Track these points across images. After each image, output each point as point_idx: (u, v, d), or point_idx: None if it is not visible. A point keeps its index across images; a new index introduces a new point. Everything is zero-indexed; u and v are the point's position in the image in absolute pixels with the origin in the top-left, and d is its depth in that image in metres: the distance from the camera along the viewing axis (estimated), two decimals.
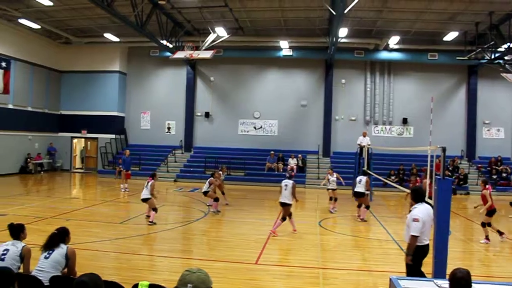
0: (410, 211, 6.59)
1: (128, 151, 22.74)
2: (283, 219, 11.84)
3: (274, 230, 11.54)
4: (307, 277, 8.07)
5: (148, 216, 12.95)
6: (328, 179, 16.39)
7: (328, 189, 16.46)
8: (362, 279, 8.18)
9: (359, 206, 14.60)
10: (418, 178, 17.40)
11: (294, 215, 12.06)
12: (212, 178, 15.52)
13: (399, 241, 11.24)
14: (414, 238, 6.15)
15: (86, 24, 24.59)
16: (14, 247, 5.37)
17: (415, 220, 6.14)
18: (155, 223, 12.40)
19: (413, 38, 24.36)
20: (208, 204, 15.56)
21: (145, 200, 12.88)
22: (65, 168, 29.04)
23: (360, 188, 14.53)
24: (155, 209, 12.74)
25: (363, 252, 10.38)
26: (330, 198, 16.37)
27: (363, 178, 14.74)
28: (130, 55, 29.54)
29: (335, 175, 16.60)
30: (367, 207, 14.52)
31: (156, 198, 13.29)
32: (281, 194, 11.83)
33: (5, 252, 5.28)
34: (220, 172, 17.11)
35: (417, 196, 6.51)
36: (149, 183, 12.90)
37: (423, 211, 6.29)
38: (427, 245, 6.31)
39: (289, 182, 11.84)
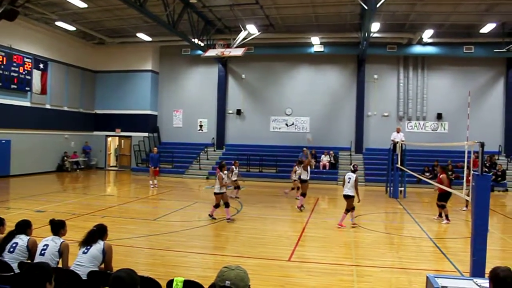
0: None
1: (156, 148, 23.09)
2: (347, 211, 12.21)
3: (341, 223, 12.07)
4: (341, 274, 7.98)
5: (211, 216, 12.80)
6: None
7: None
8: (396, 277, 8.04)
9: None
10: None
11: (327, 212, 12.01)
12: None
13: (434, 238, 11.04)
14: None
15: (119, 24, 25.02)
16: (53, 243, 5.54)
17: None
18: (232, 219, 12.69)
19: (447, 31, 23.75)
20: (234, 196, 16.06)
21: (215, 194, 12.70)
22: (100, 166, 29.68)
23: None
24: (227, 204, 12.60)
25: (398, 250, 10.21)
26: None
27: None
28: (162, 54, 29.91)
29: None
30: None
31: (226, 187, 13.00)
32: (344, 187, 12.40)
33: (45, 247, 5.47)
34: (233, 167, 17.04)
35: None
36: (218, 176, 12.71)
37: None
38: None
39: (352, 175, 12.31)
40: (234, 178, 16.88)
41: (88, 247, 5.47)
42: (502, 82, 26.14)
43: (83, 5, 20.29)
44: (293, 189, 17.91)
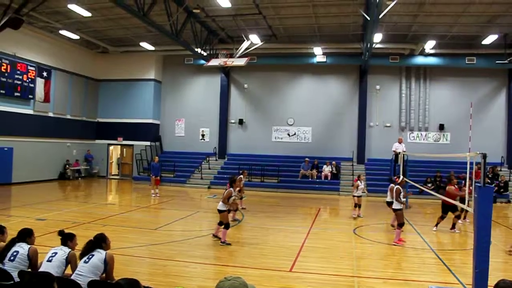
0: None
1: (157, 157, 23.13)
2: (400, 225, 11.74)
3: (398, 241, 11.52)
4: (342, 286, 7.94)
5: (215, 236, 11.44)
6: (358, 186, 15.94)
7: (354, 196, 15.92)
8: None
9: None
10: (456, 186, 16.73)
11: (329, 222, 11.96)
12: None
13: (436, 250, 10.98)
14: None
15: (123, 33, 25.15)
16: (62, 251, 5.60)
17: None
18: (228, 244, 10.87)
19: (449, 43, 23.84)
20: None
21: (219, 212, 11.28)
22: (102, 175, 29.68)
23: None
24: (227, 226, 11.05)
25: (399, 261, 10.15)
26: (355, 205, 15.98)
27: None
28: (165, 63, 30.03)
29: (363, 182, 16.29)
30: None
31: (232, 208, 12.01)
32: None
33: (53, 254, 5.53)
34: (241, 176, 16.77)
35: None
36: (226, 191, 11.43)
37: None
38: None
39: (393, 187, 12.37)
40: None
41: (90, 256, 5.46)
42: (504, 93, 26.15)
43: (87, 14, 20.42)
44: (355, 206, 16.11)
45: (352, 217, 15.77)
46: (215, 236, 11.50)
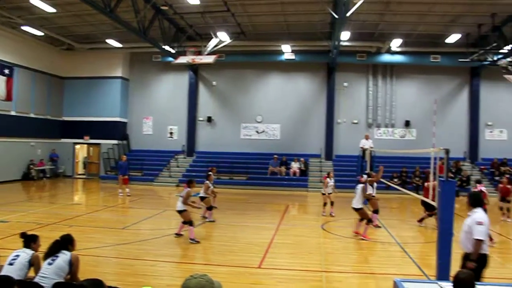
0: (468, 216, 6.17)
1: (124, 156, 22.84)
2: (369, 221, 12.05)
3: (364, 235, 11.72)
4: (311, 281, 8.03)
5: (178, 234, 11.47)
6: (328, 184, 15.79)
7: (324, 194, 15.76)
8: (366, 282, 8.14)
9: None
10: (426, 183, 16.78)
11: (297, 219, 12.06)
12: (207, 181, 14.34)
13: (402, 243, 11.21)
14: (479, 242, 5.81)
15: (89, 30, 24.67)
16: (24, 254, 5.48)
17: (480, 223, 5.83)
18: (197, 241, 10.89)
19: (415, 41, 24.36)
20: (202, 216, 14.38)
21: (179, 212, 11.30)
22: (68, 174, 29.06)
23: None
24: (190, 223, 11.13)
25: (367, 255, 10.34)
26: (325, 204, 15.80)
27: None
28: (132, 61, 29.60)
29: (332, 179, 16.15)
30: None
31: (194, 207, 11.87)
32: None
33: (15, 257, 5.39)
34: (210, 173, 16.47)
35: (476, 201, 6.18)
36: (184, 191, 11.41)
37: (484, 216, 5.99)
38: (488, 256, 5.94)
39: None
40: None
41: (54, 258, 5.34)
42: (467, 90, 26.91)
43: (51, 9, 19.88)
44: (325, 204, 16.07)
45: (322, 215, 15.63)
46: (177, 234, 11.51)
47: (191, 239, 10.87)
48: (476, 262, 5.78)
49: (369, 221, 11.96)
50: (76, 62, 28.79)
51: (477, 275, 5.55)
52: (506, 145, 26.39)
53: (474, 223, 5.90)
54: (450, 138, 24.61)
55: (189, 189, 11.45)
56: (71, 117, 29.15)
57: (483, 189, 11.29)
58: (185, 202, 11.23)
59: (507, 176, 19.73)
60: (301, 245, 10.98)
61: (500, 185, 15.42)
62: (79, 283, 3.19)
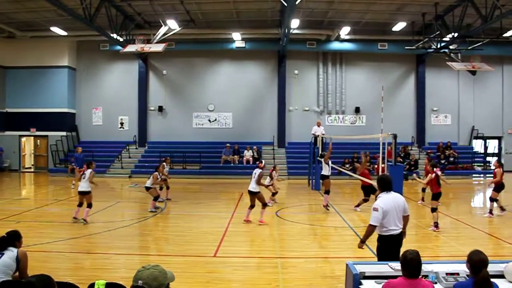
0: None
1: (80, 148, 22.26)
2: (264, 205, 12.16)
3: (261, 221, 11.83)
4: (266, 267, 8.14)
5: (75, 218, 11.94)
6: (273, 176, 15.39)
7: (268, 186, 14.72)
8: (320, 266, 8.33)
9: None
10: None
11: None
12: (156, 172, 14.10)
13: (355, 227, 11.53)
14: (370, 227, 6.09)
15: (31, 17, 23.60)
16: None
17: (374, 209, 6.02)
18: (86, 222, 11.60)
19: (363, 29, 24.86)
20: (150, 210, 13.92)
21: (83, 194, 11.94)
22: (14, 168, 27.94)
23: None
24: (89, 205, 11.86)
25: (320, 240, 10.58)
26: (273, 194, 15.54)
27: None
28: (79, 50, 28.64)
29: (277, 173, 15.97)
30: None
31: (96, 186, 12.49)
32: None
33: None
34: (164, 164, 16.35)
35: (383, 185, 6.29)
36: (86, 174, 11.98)
37: (386, 200, 6.07)
38: (396, 235, 6.10)
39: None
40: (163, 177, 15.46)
41: (0, 255, 5.14)
42: (413, 77, 27.82)
43: None
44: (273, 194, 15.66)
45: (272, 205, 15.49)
46: (75, 218, 11.95)
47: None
48: (380, 242, 6.17)
49: (264, 205, 12.10)
50: (19, 51, 27.47)
51: (388, 254, 5.88)
52: (450, 130, 27.63)
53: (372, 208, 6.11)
54: (398, 124, 25.34)
55: (90, 170, 12.14)
56: (15, 108, 27.86)
57: (439, 173, 11.71)
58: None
59: (428, 157, 20.63)
60: (255, 233, 11.09)
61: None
62: (27, 280, 3.09)
